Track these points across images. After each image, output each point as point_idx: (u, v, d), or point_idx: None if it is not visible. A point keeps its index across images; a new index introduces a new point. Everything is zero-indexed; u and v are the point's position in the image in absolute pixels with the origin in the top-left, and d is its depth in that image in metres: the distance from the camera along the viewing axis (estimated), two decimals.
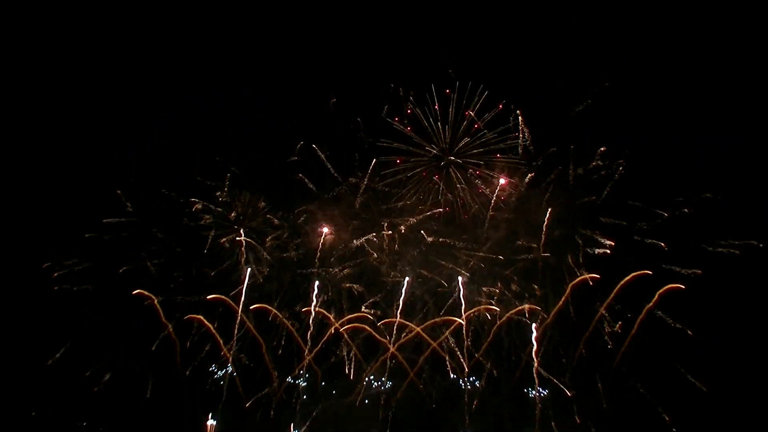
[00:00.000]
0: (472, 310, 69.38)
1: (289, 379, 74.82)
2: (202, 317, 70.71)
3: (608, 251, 65.21)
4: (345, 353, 73.59)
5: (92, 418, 76.64)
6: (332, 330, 72.18)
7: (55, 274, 72.65)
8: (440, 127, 74.00)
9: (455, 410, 71.82)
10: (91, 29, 77.08)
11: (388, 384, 74.56)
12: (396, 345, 71.66)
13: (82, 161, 78.87)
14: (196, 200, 73.92)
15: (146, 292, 71.15)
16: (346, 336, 72.45)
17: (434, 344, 71.09)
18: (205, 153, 75.92)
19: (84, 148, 78.77)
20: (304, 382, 76.23)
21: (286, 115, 79.59)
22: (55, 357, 72.14)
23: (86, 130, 79.07)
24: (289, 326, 71.89)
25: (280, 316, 71.93)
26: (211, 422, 72.55)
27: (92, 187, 77.44)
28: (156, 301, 70.85)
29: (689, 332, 60.59)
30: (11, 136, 76.25)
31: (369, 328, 72.20)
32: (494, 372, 71.18)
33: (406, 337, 71.83)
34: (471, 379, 72.70)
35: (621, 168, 66.61)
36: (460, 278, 71.27)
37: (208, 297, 71.27)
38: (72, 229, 75.29)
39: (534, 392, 69.34)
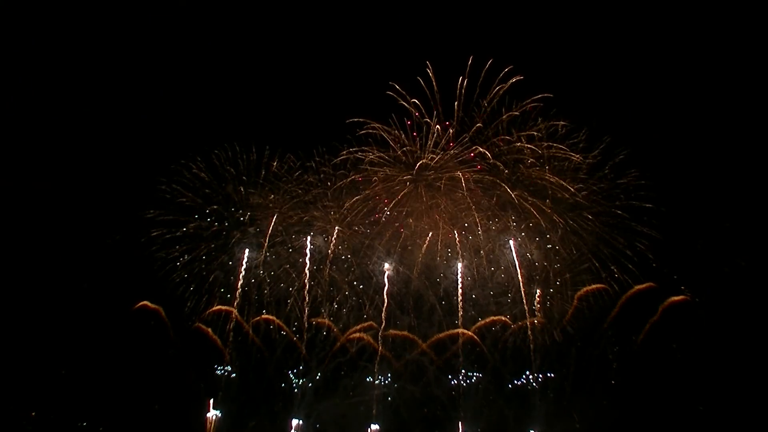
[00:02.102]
0: (482, 322, 70.03)
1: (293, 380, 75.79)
2: (209, 330, 70.60)
3: (616, 272, 66.12)
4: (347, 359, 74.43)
5: (92, 418, 77.02)
6: (338, 344, 72.55)
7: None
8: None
9: (458, 410, 73.48)
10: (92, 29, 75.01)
11: (394, 385, 75.50)
12: (402, 360, 72.46)
13: (81, 165, 78.02)
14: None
15: (151, 304, 70.76)
16: (351, 351, 72.87)
17: (438, 361, 71.99)
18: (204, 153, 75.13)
19: (83, 152, 77.73)
20: (309, 382, 76.96)
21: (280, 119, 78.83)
22: (61, 371, 71.59)
23: (85, 133, 77.83)
24: (293, 337, 72.12)
25: (285, 328, 72.07)
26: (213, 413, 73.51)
27: (93, 191, 76.89)
28: (163, 313, 70.52)
29: (688, 352, 62.26)
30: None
31: (372, 341, 72.78)
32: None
33: (412, 355, 72.61)
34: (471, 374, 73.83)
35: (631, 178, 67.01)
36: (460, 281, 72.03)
37: (215, 308, 71.03)
38: (74, 236, 75.29)
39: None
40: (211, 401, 72.98)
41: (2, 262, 74.41)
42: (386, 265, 73.36)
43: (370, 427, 73.16)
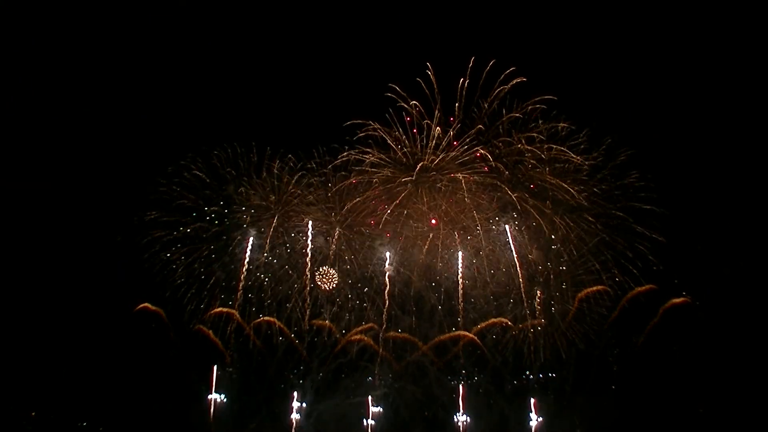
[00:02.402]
0: (483, 324, 70.10)
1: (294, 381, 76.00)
2: (210, 332, 70.71)
3: (616, 274, 66.29)
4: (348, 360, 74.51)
5: (92, 418, 77.11)
6: (339, 347, 72.74)
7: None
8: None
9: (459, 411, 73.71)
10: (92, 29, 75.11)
11: (395, 386, 75.60)
12: (403, 362, 72.58)
13: (81, 165, 78.14)
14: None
15: (152, 306, 70.79)
16: (352, 352, 73.08)
17: (439, 363, 72.04)
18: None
19: (83, 152, 77.80)
20: (310, 383, 76.99)
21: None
22: (61, 371, 71.77)
23: (85, 134, 77.85)
24: (294, 341, 72.22)
25: (286, 330, 72.18)
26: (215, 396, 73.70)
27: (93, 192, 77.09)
28: (164, 316, 70.59)
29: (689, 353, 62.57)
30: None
31: (373, 342, 72.94)
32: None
33: (413, 356, 72.73)
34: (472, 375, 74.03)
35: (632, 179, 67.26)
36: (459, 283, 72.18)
37: (216, 310, 71.09)
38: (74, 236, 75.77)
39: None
40: (215, 369, 72.56)
41: (2, 262, 74.66)
42: (387, 266, 73.52)
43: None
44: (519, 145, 70.17)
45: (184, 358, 73.66)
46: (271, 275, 74.29)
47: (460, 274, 72.35)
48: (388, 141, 72.47)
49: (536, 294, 71.16)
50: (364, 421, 74.11)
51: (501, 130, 70.77)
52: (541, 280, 71.05)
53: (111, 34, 78.06)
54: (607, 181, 69.20)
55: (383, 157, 72.91)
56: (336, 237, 74.16)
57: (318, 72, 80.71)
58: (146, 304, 71.83)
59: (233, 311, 71.87)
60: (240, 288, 72.32)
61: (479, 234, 72.42)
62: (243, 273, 72.70)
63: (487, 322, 70.58)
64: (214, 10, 78.28)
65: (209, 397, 72.94)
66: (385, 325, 73.06)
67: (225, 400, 73.63)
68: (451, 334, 71.52)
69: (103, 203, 76.87)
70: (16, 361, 73.97)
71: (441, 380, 74.35)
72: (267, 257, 73.98)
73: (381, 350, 72.48)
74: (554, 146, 69.14)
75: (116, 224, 74.00)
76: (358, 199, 73.20)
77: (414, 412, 74.51)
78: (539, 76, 69.45)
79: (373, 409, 74.02)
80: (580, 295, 68.48)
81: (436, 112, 71.21)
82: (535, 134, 69.68)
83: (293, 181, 73.95)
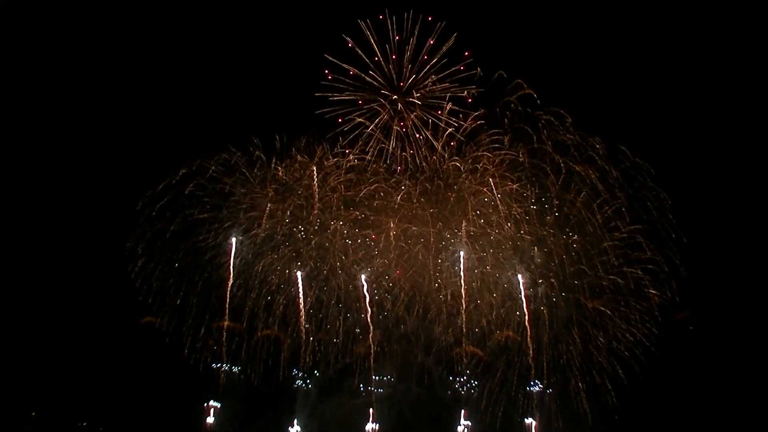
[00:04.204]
0: (495, 337, 71.23)
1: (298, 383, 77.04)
2: (214, 342, 71.33)
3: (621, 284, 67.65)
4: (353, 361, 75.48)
5: (92, 418, 77.54)
6: (345, 356, 73.88)
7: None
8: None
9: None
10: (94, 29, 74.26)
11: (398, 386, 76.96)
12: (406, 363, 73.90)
13: (82, 169, 77.46)
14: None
15: (156, 319, 71.16)
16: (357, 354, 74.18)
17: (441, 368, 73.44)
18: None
19: (83, 155, 77.23)
20: (313, 384, 77.86)
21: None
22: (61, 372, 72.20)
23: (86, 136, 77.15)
24: (300, 347, 73.20)
25: (287, 339, 72.98)
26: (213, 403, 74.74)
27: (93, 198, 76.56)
28: (167, 326, 70.91)
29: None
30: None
31: (378, 346, 74.09)
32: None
33: (417, 359, 74.05)
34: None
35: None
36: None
37: (222, 322, 71.67)
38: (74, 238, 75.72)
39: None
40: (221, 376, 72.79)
41: (2, 262, 74.07)
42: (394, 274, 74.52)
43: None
44: (521, 158, 71.14)
45: (187, 365, 73.82)
46: (277, 284, 74.63)
47: (462, 281, 73.35)
48: (390, 149, 73.52)
49: (540, 298, 72.49)
50: (368, 421, 75.42)
51: (505, 142, 71.80)
52: (542, 284, 72.25)
53: (113, 33, 77.17)
54: (619, 197, 69.95)
55: (386, 165, 74.26)
56: (340, 243, 74.77)
57: (318, 75, 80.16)
58: (150, 318, 71.90)
59: (238, 325, 72.39)
60: (248, 300, 72.87)
61: (483, 241, 73.51)
62: (252, 284, 73.17)
63: (492, 336, 71.75)
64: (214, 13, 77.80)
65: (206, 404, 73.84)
66: (390, 329, 74.51)
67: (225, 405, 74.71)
68: (456, 349, 72.69)
69: (104, 203, 76.54)
70: (16, 361, 73.89)
71: (444, 381, 75.86)
72: (274, 266, 74.37)
73: (384, 350, 73.87)
74: (559, 158, 70.11)
75: (116, 225, 73.95)
76: (362, 208, 73.94)
77: (418, 412, 76.09)
78: (550, 87, 70.28)
79: (376, 410, 75.34)
80: (584, 304, 69.85)
81: (441, 121, 72.59)
82: (537, 145, 70.60)
83: (298, 191, 74.36)
